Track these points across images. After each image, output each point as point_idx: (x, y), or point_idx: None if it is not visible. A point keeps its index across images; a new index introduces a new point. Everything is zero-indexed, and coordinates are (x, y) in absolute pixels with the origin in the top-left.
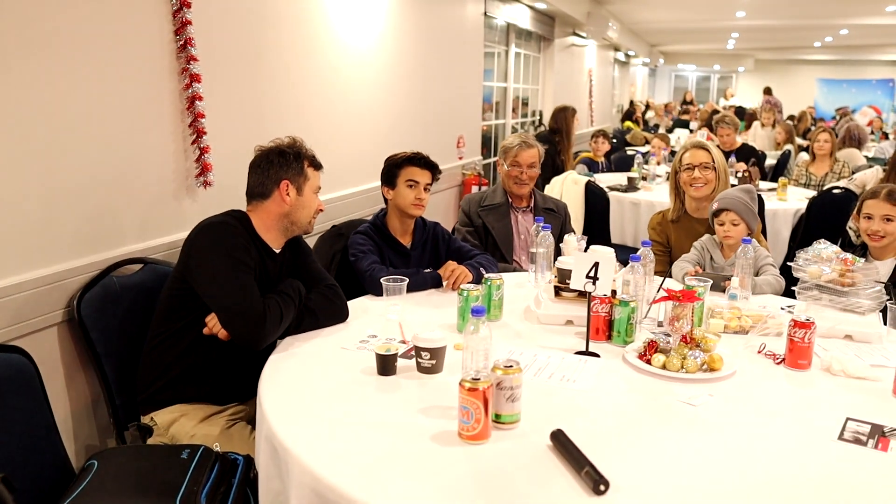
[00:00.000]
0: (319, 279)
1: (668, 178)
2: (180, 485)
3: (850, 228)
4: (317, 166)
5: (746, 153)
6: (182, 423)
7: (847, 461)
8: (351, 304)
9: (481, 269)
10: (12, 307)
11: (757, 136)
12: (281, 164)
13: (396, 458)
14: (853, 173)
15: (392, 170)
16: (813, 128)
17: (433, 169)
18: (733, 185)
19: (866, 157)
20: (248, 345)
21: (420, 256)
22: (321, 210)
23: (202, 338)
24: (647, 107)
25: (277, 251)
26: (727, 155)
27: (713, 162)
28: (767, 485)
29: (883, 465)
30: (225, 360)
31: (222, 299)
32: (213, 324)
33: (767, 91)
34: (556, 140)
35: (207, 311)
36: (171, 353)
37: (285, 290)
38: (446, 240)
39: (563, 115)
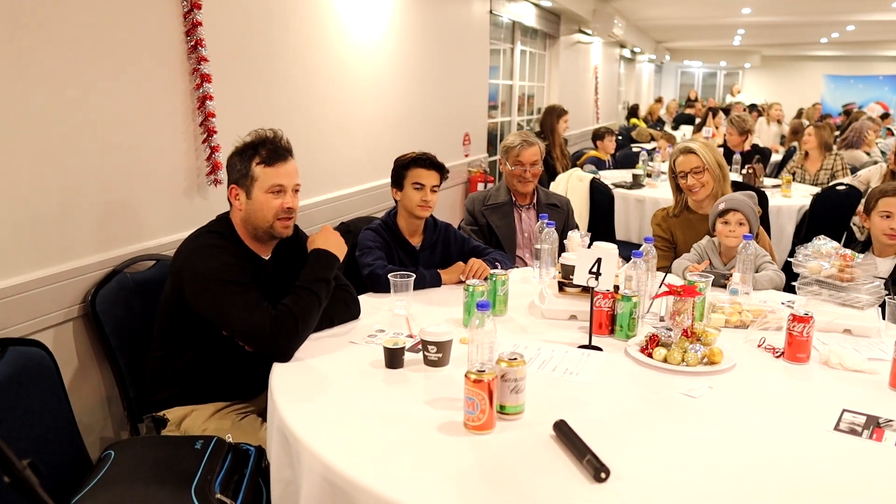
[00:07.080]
0: None
1: None
2: (195, 474)
3: (854, 225)
4: (269, 161)
5: (752, 151)
6: (194, 418)
7: (842, 451)
8: (360, 299)
9: (497, 264)
10: (31, 302)
11: (762, 133)
12: (230, 168)
13: (404, 448)
14: (856, 170)
15: (399, 171)
16: (819, 123)
17: (440, 170)
18: (738, 183)
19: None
20: (277, 358)
21: (429, 257)
22: (289, 208)
23: (207, 349)
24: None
25: (266, 258)
26: (731, 154)
27: (703, 164)
28: (763, 473)
29: (877, 455)
30: (232, 364)
31: (235, 325)
32: None
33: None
34: (543, 140)
35: (209, 325)
36: (176, 365)
37: (298, 289)
38: (459, 241)
39: (549, 117)
